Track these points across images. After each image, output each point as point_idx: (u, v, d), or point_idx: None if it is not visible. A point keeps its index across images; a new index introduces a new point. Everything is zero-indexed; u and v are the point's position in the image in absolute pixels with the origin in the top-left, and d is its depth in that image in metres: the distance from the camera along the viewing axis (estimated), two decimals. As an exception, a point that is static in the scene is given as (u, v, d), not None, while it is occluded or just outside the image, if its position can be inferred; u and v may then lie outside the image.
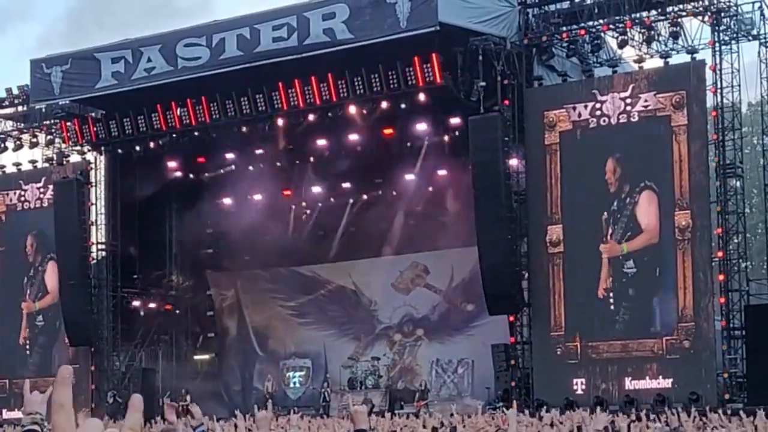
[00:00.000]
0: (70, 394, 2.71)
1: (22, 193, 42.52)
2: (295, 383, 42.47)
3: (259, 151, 39.83)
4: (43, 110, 40.80)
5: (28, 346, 41.92)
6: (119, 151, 39.91)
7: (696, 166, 31.65)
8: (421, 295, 41.61)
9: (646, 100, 32.28)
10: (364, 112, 35.51)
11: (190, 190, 41.51)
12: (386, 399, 37.86)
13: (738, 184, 32.67)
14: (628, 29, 33.12)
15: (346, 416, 27.15)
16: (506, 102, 33.35)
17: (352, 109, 35.51)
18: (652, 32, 32.80)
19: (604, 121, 32.88)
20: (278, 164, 40.80)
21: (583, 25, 33.90)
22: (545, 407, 26.33)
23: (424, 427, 19.12)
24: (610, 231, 32.50)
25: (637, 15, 32.98)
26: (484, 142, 32.79)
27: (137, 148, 39.14)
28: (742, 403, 29.10)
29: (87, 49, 38.68)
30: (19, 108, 42.50)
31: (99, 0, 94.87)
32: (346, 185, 41.26)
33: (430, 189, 40.15)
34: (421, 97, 34.28)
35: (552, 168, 33.52)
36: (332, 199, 41.99)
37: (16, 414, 39.27)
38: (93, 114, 39.45)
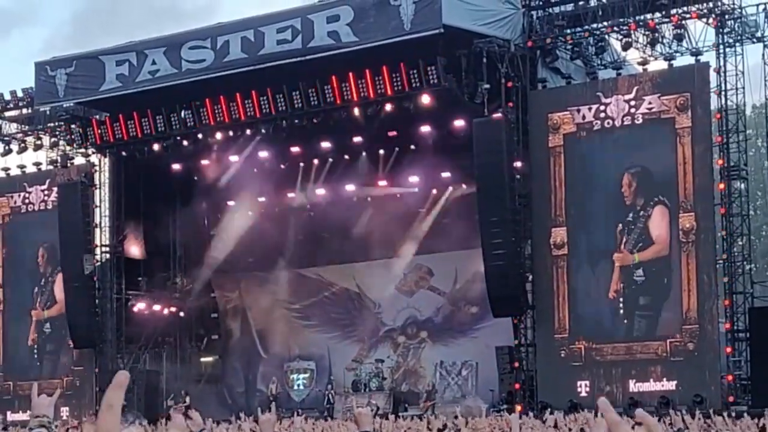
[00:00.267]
0: (121, 398, 2.82)
1: (27, 195, 42.55)
2: (299, 385, 42.49)
3: (263, 153, 39.85)
4: (48, 113, 40.83)
5: (36, 351, 41.92)
6: (123, 153, 39.93)
7: (700, 168, 31.64)
8: (425, 297, 41.62)
9: (650, 103, 32.28)
10: (368, 114, 35.51)
11: (194, 193, 41.53)
12: (390, 401, 37.89)
13: (742, 186, 32.66)
14: (632, 31, 33.12)
15: (350, 418, 27.17)
16: (510, 104, 33.36)
17: (356, 112, 35.52)
18: (656, 34, 32.80)
19: (608, 123, 32.88)
20: (282, 166, 40.83)
21: (587, 27, 33.91)
22: (549, 409, 26.34)
23: (429, 429, 19.14)
24: (624, 241, 32.52)
25: (641, 17, 32.98)
26: (489, 144, 32.79)
27: (141, 150, 39.18)
28: (747, 406, 29.06)
29: (91, 51, 38.70)
30: (24, 110, 42.54)
31: (104, 3, 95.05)
32: (350, 187, 41.27)
33: (434, 191, 40.18)
34: (425, 99, 34.28)
35: (556, 170, 33.52)
36: (336, 201, 41.98)
37: (21, 416, 39.30)
38: (97, 116, 39.49)
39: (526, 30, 34.21)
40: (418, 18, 32.28)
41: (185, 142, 38.64)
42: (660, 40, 32.88)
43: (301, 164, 40.99)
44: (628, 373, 31.95)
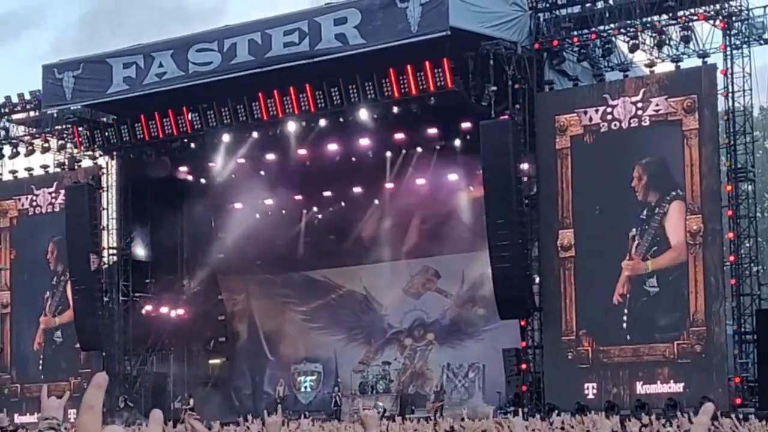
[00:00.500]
0: (101, 398, 2.84)
1: (34, 198, 42.61)
2: (306, 388, 42.51)
3: (270, 156, 39.88)
4: (55, 115, 40.90)
5: (42, 357, 41.86)
6: (131, 155, 39.98)
7: (707, 170, 31.60)
8: (431, 299, 41.61)
9: (657, 105, 32.25)
10: (375, 116, 35.51)
11: (202, 195, 41.55)
12: (397, 403, 37.90)
13: (749, 188, 32.62)
14: (639, 33, 33.08)
15: (357, 421, 27.16)
16: (517, 106, 33.34)
17: (363, 114, 35.52)
18: (664, 36, 32.77)
19: (615, 125, 32.85)
20: (289, 169, 40.83)
21: (594, 29, 33.89)
22: (556, 411, 26.29)
23: (435, 431, 19.12)
24: (636, 245, 32.33)
25: (649, 19, 32.95)
26: (496, 146, 32.77)
27: (149, 152, 39.23)
28: (754, 408, 29.01)
29: (99, 54, 38.74)
30: (31, 113, 42.62)
31: (112, 6, 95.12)
32: (357, 189, 41.28)
33: (441, 193, 40.16)
34: (432, 101, 34.28)
35: (563, 172, 33.50)
36: (343, 204, 42.00)
37: (29, 418, 39.34)
38: (104, 119, 39.55)
39: (533, 32, 34.19)
40: (425, 20, 32.27)
41: (192, 145, 38.68)
42: (667, 41, 32.85)
43: (308, 166, 40.94)
44: (635, 375, 31.91)
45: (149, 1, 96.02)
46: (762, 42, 32.58)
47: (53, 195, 42.08)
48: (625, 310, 32.16)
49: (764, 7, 32.54)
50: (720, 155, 32.34)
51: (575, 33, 34.23)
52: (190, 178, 41.62)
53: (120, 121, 38.82)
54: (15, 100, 42.46)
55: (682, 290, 31.60)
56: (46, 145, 42.18)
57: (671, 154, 32.06)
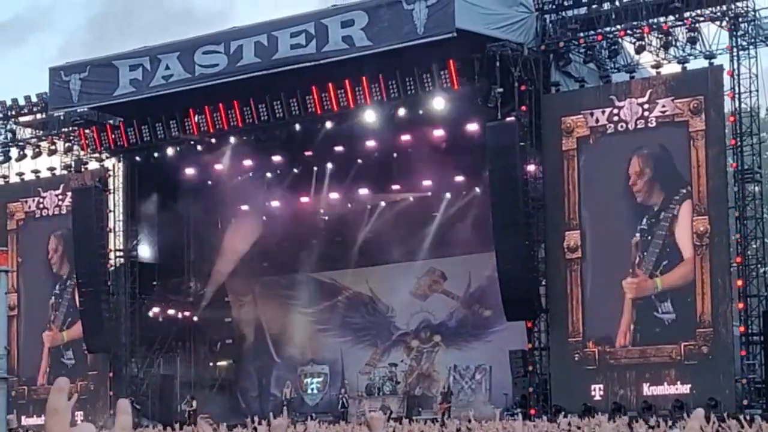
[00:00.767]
0: (64, 399, 2.88)
1: (41, 200, 42.65)
2: (312, 389, 42.52)
3: (276, 158, 39.91)
4: (62, 118, 40.92)
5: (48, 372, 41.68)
6: (137, 158, 40.04)
7: (714, 171, 31.56)
8: (438, 301, 41.61)
9: (663, 106, 32.21)
10: (382, 118, 35.51)
11: (208, 197, 41.57)
12: (404, 405, 37.89)
13: (756, 189, 32.60)
14: (645, 35, 33.06)
15: (363, 422, 27.17)
16: (524, 108, 33.32)
17: (370, 116, 35.53)
18: (670, 37, 32.74)
19: (621, 126, 32.83)
20: (296, 171, 40.87)
21: (600, 30, 33.87)
22: (563, 413, 26.28)
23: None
24: (639, 258, 32.30)
25: (655, 20, 32.93)
26: (502, 148, 32.77)
27: (155, 155, 39.28)
28: (761, 409, 28.99)
29: (105, 56, 38.78)
30: (38, 116, 42.69)
31: (119, 9, 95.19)
32: (364, 191, 41.29)
33: (448, 195, 40.17)
34: (439, 103, 34.31)
35: (569, 174, 33.47)
36: (350, 206, 42.02)
37: (36, 420, 39.38)
38: (111, 121, 39.56)
39: (540, 33, 34.18)
40: (432, 22, 32.28)
41: (199, 147, 38.75)
42: (673, 43, 32.83)
43: (315, 168, 41.00)
44: (642, 377, 31.87)
45: (157, 3, 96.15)
46: (769, 43, 32.55)
47: (60, 197, 42.12)
48: (632, 326, 32.01)
49: (771, 8, 32.53)
50: (726, 156, 32.30)
51: (581, 34, 34.21)
52: (196, 180, 41.62)
53: (126, 123, 38.85)
54: (22, 102, 42.55)
55: (695, 312, 31.41)
56: (53, 147, 42.22)
57: (678, 154, 32.03)
